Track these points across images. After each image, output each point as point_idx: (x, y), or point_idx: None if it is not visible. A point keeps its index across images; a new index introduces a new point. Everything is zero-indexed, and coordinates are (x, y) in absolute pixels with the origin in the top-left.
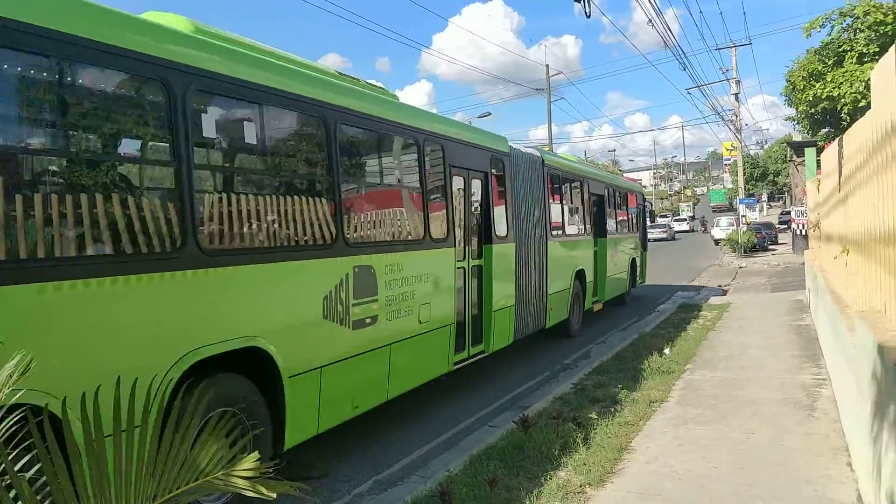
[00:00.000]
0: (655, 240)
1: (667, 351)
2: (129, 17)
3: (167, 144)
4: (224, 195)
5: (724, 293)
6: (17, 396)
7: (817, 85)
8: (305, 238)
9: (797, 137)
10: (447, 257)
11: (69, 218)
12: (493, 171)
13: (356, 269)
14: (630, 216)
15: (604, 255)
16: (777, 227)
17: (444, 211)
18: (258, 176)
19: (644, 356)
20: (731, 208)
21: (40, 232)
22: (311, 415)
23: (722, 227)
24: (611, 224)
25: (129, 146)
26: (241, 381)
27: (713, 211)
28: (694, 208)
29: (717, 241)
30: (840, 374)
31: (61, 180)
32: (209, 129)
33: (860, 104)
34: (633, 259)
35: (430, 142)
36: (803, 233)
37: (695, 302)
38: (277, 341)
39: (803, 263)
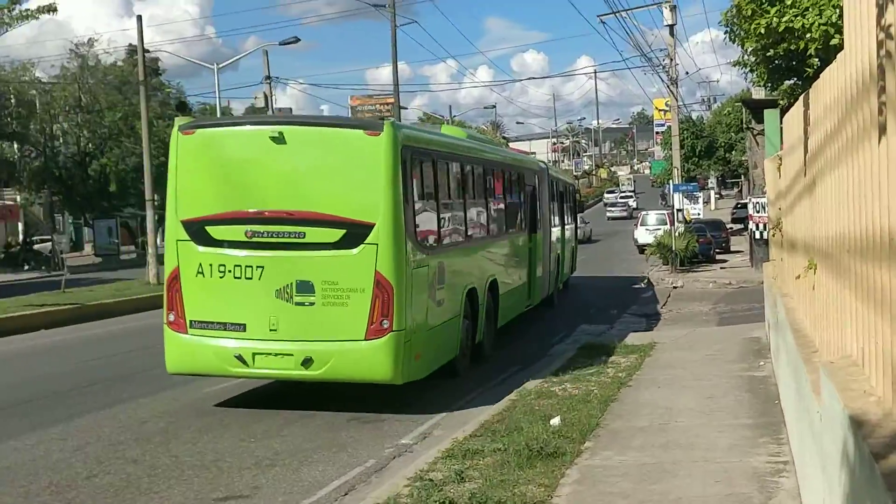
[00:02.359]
0: (612, 218)
1: (556, 420)
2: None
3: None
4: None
5: (649, 327)
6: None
7: (772, 11)
8: (508, 227)
9: (758, 95)
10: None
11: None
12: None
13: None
14: (529, 202)
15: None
16: (729, 227)
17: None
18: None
19: (523, 427)
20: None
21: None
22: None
23: (649, 227)
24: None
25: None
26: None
27: (652, 186)
28: (634, 185)
29: (641, 248)
30: (806, 456)
31: (449, 205)
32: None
33: (832, 41)
34: (559, 256)
35: (523, 170)
36: (764, 236)
37: (604, 340)
38: (500, 279)
39: (763, 283)
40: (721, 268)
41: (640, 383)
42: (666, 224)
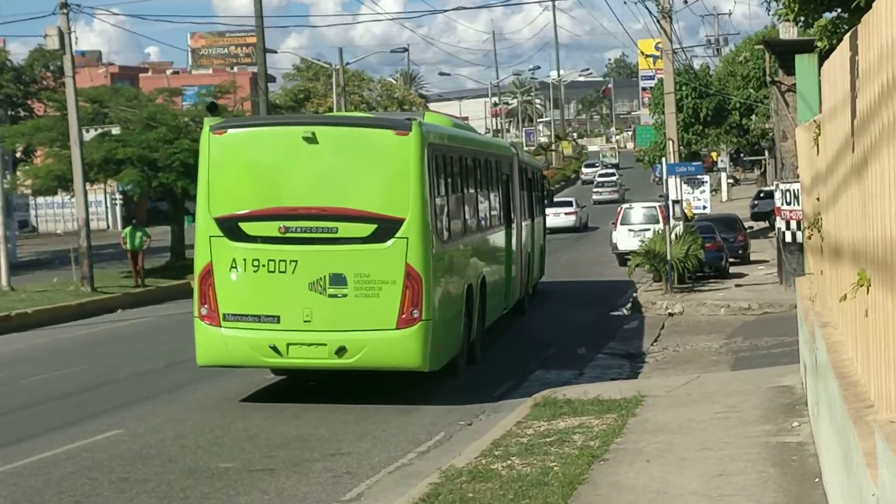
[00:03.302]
0: (600, 202)
1: None
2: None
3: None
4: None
5: (634, 372)
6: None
7: None
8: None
9: (787, 35)
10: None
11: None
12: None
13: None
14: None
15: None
16: (748, 226)
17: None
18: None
19: None
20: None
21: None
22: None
23: (633, 227)
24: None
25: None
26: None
27: (638, 161)
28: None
29: (622, 257)
30: None
31: (461, 196)
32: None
33: None
34: (529, 255)
35: (501, 157)
36: (796, 238)
37: (570, 395)
38: (487, 277)
39: (796, 306)
40: (737, 285)
41: (620, 456)
42: (657, 222)
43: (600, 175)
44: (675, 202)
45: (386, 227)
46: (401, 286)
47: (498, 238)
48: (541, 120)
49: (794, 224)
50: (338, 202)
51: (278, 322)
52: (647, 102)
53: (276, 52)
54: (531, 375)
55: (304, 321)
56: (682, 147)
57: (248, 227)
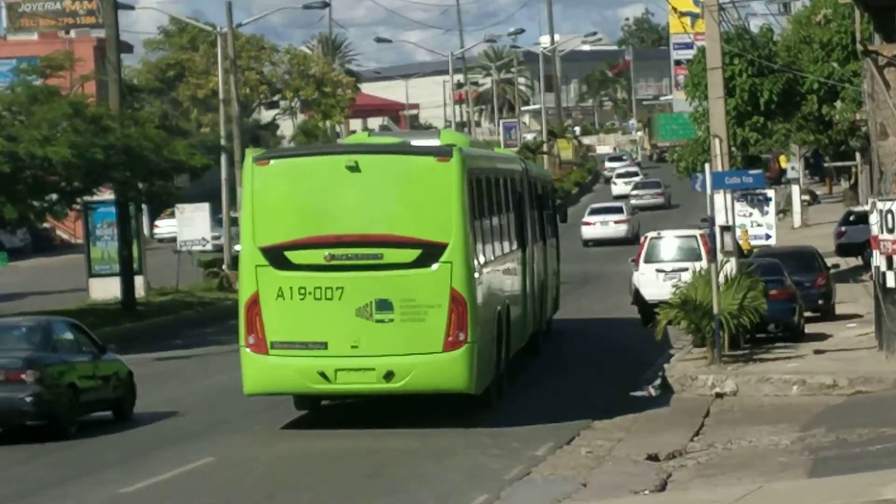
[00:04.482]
0: (641, 208)
1: None
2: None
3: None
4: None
5: (661, 482)
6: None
7: None
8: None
9: None
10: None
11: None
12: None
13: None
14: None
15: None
16: (832, 264)
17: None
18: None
19: None
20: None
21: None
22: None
23: (663, 267)
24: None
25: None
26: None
27: (660, 156)
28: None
29: (648, 311)
30: None
31: (490, 219)
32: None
33: None
34: (543, 283)
35: (514, 174)
36: None
37: None
38: (510, 303)
39: None
40: (816, 351)
41: None
42: (698, 258)
43: (620, 172)
44: (725, 229)
45: (430, 252)
46: (446, 310)
47: (515, 263)
48: (527, 108)
49: None
50: (382, 229)
51: (326, 348)
52: (683, 82)
53: (133, 7)
54: (507, 489)
55: (352, 347)
56: (734, 148)
57: (294, 256)
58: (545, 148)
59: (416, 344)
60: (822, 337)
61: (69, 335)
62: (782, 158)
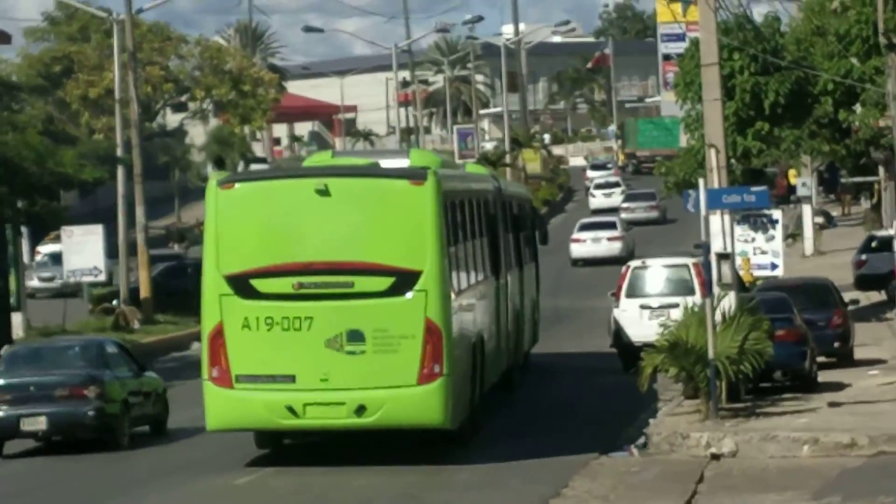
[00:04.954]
0: (635, 222)
1: None
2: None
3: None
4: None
5: None
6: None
7: None
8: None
9: None
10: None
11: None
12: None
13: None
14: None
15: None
16: (850, 300)
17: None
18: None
19: None
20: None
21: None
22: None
23: (650, 303)
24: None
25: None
26: None
27: (637, 167)
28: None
29: (631, 352)
30: None
31: (464, 245)
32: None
33: None
34: (518, 312)
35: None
36: None
37: None
38: (484, 335)
39: None
40: (832, 404)
41: None
42: (692, 292)
43: (599, 183)
44: (723, 257)
45: (404, 280)
46: (420, 341)
47: (489, 291)
48: (486, 111)
49: None
50: (353, 255)
51: (294, 382)
52: (673, 81)
53: None
54: None
55: (322, 380)
56: (733, 160)
57: (261, 284)
58: (508, 159)
59: (388, 377)
60: (838, 387)
61: (117, 353)
62: (791, 173)
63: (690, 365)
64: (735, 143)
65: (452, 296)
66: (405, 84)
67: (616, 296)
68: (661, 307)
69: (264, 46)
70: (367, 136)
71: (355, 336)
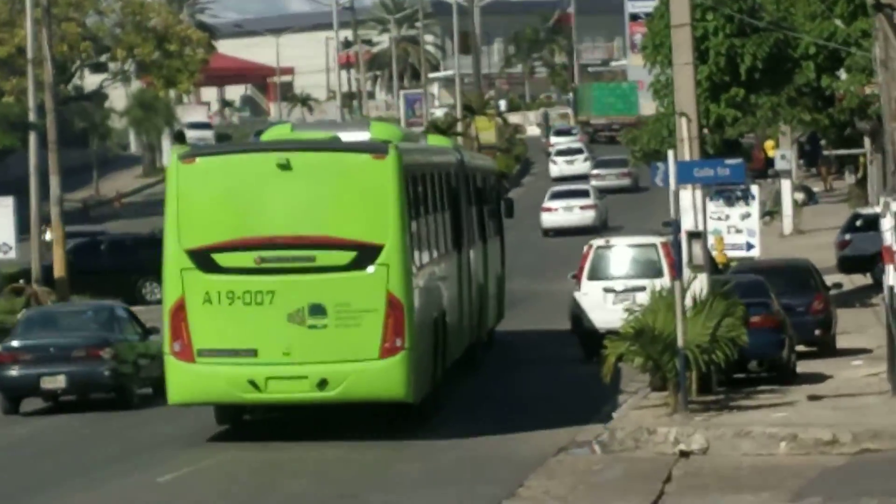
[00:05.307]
0: (606, 190)
1: None
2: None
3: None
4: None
5: None
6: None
7: None
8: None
9: None
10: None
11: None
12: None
13: None
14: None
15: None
16: (832, 284)
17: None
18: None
19: None
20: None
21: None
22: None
23: (613, 285)
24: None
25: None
26: None
27: (593, 136)
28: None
29: (593, 339)
30: None
31: (426, 219)
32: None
33: None
34: (481, 287)
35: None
36: None
37: None
38: (448, 310)
39: None
40: (811, 396)
41: None
42: (660, 274)
43: (561, 149)
44: (694, 236)
45: (366, 254)
46: (382, 314)
47: (451, 266)
48: (436, 75)
49: None
50: (315, 229)
51: (256, 356)
52: (641, 43)
53: None
54: None
55: (284, 354)
56: (706, 129)
57: (222, 259)
58: (459, 128)
59: (350, 350)
60: (818, 378)
61: (125, 317)
62: (769, 144)
63: (658, 354)
64: (708, 110)
65: (414, 270)
66: (347, 44)
67: (577, 278)
68: (626, 291)
69: (192, 2)
70: (304, 101)
71: (317, 310)
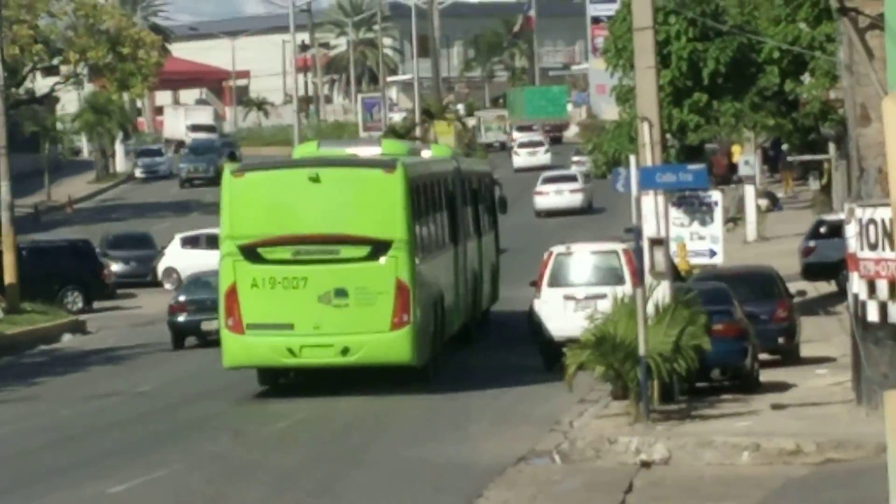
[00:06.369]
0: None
1: None
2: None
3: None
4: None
5: None
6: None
7: None
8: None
9: None
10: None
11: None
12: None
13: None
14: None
15: None
16: (795, 291)
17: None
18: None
19: None
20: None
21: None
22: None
23: (573, 291)
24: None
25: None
26: None
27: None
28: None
29: (553, 348)
30: None
31: (428, 219)
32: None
33: None
34: (476, 273)
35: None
36: (889, 314)
37: None
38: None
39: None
40: (775, 405)
41: None
42: (622, 281)
43: (523, 142)
44: (656, 243)
45: (379, 248)
46: (392, 296)
47: (449, 257)
48: (395, 79)
49: (883, 287)
50: (338, 229)
51: (292, 329)
52: (603, 47)
53: None
54: None
55: (314, 327)
56: (669, 134)
57: (266, 252)
58: (418, 132)
59: (367, 324)
60: (782, 387)
61: None
62: (734, 149)
63: (619, 362)
64: (671, 116)
65: (417, 260)
66: (304, 48)
67: (537, 285)
68: (586, 298)
69: (146, 4)
70: (260, 104)
71: (341, 292)
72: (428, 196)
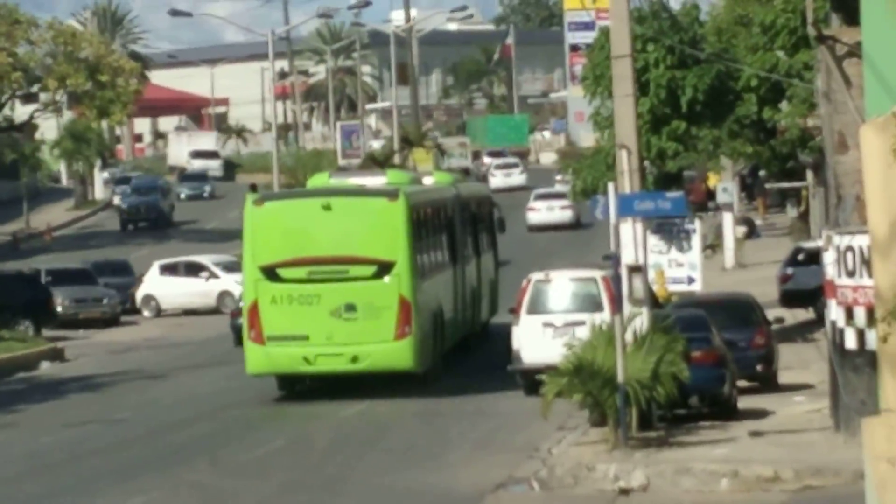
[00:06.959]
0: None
1: None
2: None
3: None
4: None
5: None
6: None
7: None
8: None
9: None
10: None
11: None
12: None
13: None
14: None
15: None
16: (774, 318)
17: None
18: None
19: None
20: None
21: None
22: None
23: (552, 318)
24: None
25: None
26: None
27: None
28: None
29: (531, 375)
30: None
31: (429, 241)
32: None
33: None
34: (474, 290)
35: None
36: (867, 342)
37: None
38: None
39: (866, 475)
40: (753, 433)
41: None
42: (601, 308)
43: (498, 164)
44: (635, 270)
45: (384, 268)
46: (396, 310)
47: (448, 276)
48: (373, 106)
49: (861, 314)
50: (348, 251)
51: (308, 340)
52: (581, 74)
53: None
54: None
55: (327, 338)
56: (647, 162)
57: (284, 272)
58: (397, 160)
59: (374, 335)
60: (760, 414)
61: None
62: (711, 176)
63: (597, 389)
64: (649, 143)
65: (419, 279)
66: (283, 75)
67: (516, 312)
68: (565, 325)
69: (125, 32)
70: (239, 132)
71: (350, 307)
72: (429, 220)
